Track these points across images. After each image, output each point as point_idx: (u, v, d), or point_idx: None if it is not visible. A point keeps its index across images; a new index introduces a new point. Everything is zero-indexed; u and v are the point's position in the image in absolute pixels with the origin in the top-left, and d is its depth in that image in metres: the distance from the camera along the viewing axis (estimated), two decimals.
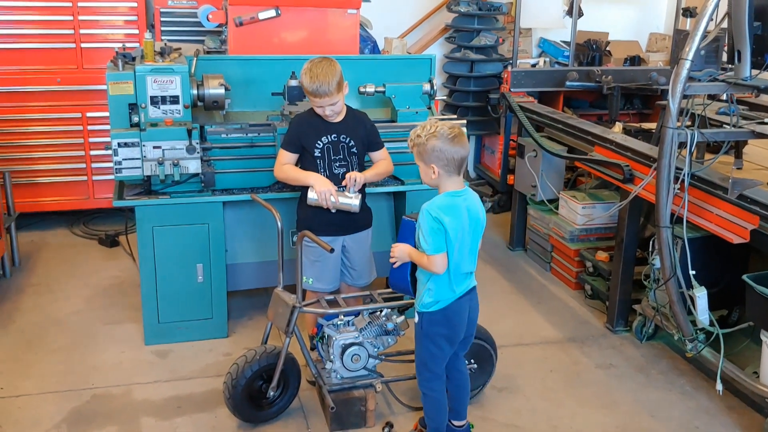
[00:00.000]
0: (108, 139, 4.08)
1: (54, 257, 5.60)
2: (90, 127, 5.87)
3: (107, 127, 5.70)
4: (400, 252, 3.30)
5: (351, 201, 3.79)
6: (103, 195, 6.02)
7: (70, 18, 5.65)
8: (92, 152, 5.93)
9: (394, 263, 3.35)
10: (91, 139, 5.90)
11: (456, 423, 3.53)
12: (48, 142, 5.84)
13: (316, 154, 3.81)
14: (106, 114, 5.63)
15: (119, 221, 6.10)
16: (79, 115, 5.83)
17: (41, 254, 5.65)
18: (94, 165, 5.97)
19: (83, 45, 5.73)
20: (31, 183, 5.86)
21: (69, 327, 4.58)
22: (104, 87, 5.58)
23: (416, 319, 3.32)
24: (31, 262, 5.50)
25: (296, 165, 3.91)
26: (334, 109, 3.78)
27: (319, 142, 3.81)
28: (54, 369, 4.10)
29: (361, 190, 3.90)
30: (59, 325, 4.59)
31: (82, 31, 5.70)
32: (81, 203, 6.06)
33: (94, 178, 6.00)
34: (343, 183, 3.79)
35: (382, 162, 4.02)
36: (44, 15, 5.63)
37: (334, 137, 3.83)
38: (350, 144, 3.86)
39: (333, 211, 3.78)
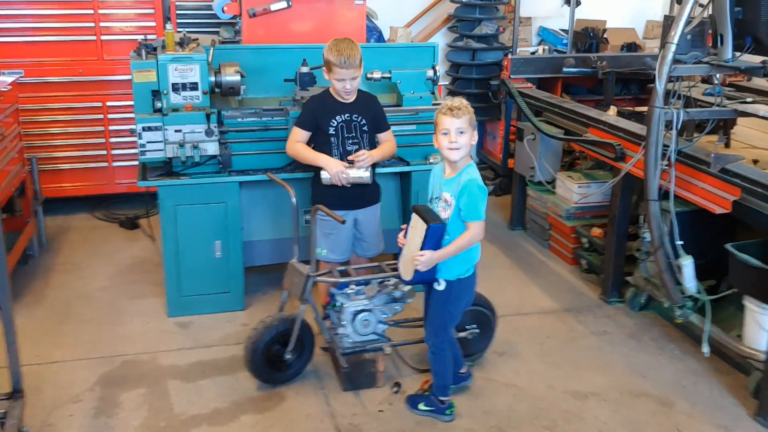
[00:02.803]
0: (129, 127, 4.34)
1: (78, 239, 5.90)
2: (110, 116, 6.14)
3: (127, 115, 6.05)
4: (428, 260, 3.43)
5: (362, 174, 4.07)
6: (123, 180, 6.31)
7: (91, 12, 5.92)
8: (112, 140, 6.20)
9: (417, 268, 3.47)
10: (112, 127, 6.17)
11: (461, 371, 3.88)
12: (70, 131, 6.11)
13: (330, 132, 4.10)
14: (126, 103, 5.99)
15: (138, 205, 6.38)
16: (99, 104, 6.10)
17: (66, 236, 5.94)
18: (114, 152, 6.24)
19: (103, 37, 5.99)
20: (54, 169, 6.14)
21: (96, 301, 4.87)
22: (124, 77, 5.93)
23: (441, 286, 3.55)
24: (56, 243, 5.79)
25: (308, 143, 4.19)
26: (354, 84, 4.05)
27: (333, 120, 4.09)
28: (84, 339, 4.40)
29: (372, 165, 4.17)
30: (87, 300, 4.89)
31: (102, 24, 5.96)
32: (102, 188, 6.33)
33: (115, 164, 6.28)
34: (350, 158, 4.07)
35: (387, 143, 4.30)
36: (66, 9, 5.90)
37: (347, 116, 4.11)
38: (362, 123, 4.14)
39: (348, 185, 4.06)
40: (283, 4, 5.09)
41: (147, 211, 5.86)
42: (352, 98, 4.14)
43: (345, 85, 4.04)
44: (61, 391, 3.87)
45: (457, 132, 3.39)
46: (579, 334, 4.57)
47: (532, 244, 5.98)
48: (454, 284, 3.54)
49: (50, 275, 5.23)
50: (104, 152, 6.23)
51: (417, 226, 3.51)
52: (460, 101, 3.45)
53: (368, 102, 4.22)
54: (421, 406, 3.75)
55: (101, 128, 6.17)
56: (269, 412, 3.76)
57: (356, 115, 4.13)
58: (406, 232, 3.63)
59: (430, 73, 4.85)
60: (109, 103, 6.12)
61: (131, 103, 5.62)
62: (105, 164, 6.26)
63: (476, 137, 3.48)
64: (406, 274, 3.61)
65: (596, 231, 5.29)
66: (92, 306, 4.81)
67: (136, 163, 6.17)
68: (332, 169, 4.04)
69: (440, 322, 3.65)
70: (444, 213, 3.49)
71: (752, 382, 3.89)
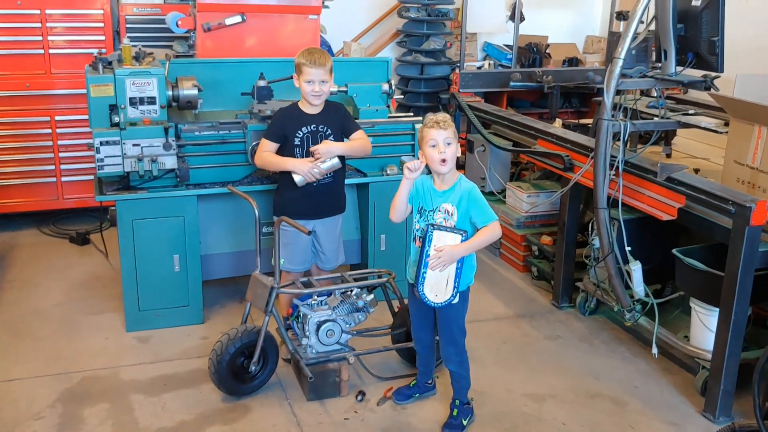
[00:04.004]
0: (79, 141, 4.25)
1: (28, 255, 5.80)
2: (59, 130, 6.05)
3: (76, 129, 5.99)
4: (450, 254, 3.44)
5: (330, 162, 4.14)
6: (71, 195, 6.22)
7: (39, 25, 5.83)
8: (61, 154, 6.11)
9: (436, 267, 3.47)
10: (60, 142, 6.08)
11: (428, 381, 4.01)
12: (17, 145, 6.00)
13: (295, 143, 4.16)
14: (75, 117, 5.94)
15: (87, 220, 6.32)
16: (47, 118, 6.00)
17: (14, 253, 5.83)
18: (62, 167, 6.15)
19: (51, 51, 5.91)
20: (0, 185, 6.03)
21: (52, 318, 4.81)
22: (72, 91, 5.87)
23: (457, 300, 3.55)
24: (5, 260, 5.68)
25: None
26: (323, 88, 4.09)
27: (299, 132, 4.16)
28: (43, 355, 4.34)
29: (339, 171, 4.27)
30: (42, 316, 4.81)
31: (50, 38, 5.89)
32: (50, 204, 6.23)
33: (63, 179, 6.18)
34: (311, 149, 4.13)
35: (357, 140, 4.33)
36: (13, 22, 5.80)
37: (313, 127, 4.18)
38: (328, 133, 4.21)
39: (321, 178, 4.14)
40: (238, 19, 5.14)
41: (100, 226, 5.79)
42: (319, 105, 4.19)
43: (314, 87, 4.06)
44: (21, 409, 3.82)
45: (444, 143, 3.47)
46: (533, 339, 4.72)
47: (484, 253, 6.12)
48: (465, 293, 3.65)
49: (1, 292, 5.14)
50: (52, 167, 6.13)
51: (446, 241, 3.47)
52: (444, 115, 3.54)
53: (335, 112, 4.28)
54: (464, 422, 3.77)
55: (49, 143, 6.07)
56: (236, 423, 3.78)
57: (322, 126, 4.19)
58: (421, 257, 3.49)
59: (386, 86, 4.95)
60: (57, 117, 6.03)
61: (80, 117, 5.61)
62: (53, 179, 6.16)
63: (459, 150, 3.57)
64: (441, 294, 3.53)
65: (546, 239, 5.46)
66: (48, 322, 4.74)
67: (85, 177, 6.13)
68: (302, 169, 4.10)
69: (459, 332, 3.71)
70: (447, 224, 3.53)
71: (700, 381, 4.08)
